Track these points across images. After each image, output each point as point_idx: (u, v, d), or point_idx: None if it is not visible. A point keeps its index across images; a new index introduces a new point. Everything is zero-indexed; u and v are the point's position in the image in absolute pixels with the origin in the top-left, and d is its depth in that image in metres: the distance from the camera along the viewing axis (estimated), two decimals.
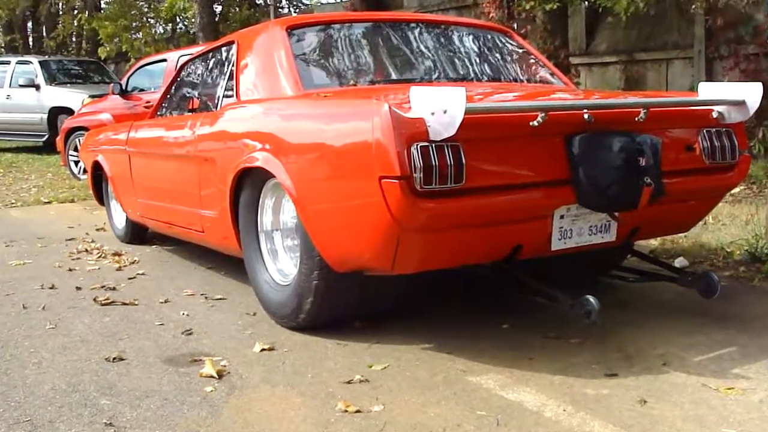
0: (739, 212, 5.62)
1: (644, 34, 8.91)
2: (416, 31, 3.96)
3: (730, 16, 7.58)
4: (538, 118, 2.67)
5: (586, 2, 8.92)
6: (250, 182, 3.52)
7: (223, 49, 4.28)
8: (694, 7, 7.12)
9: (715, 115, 3.19)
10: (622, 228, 3.15)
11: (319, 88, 3.42)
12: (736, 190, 6.39)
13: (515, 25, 8.59)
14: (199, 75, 4.66)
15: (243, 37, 4.08)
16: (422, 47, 3.87)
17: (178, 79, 4.94)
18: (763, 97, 3.16)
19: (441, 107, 2.51)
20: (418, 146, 2.54)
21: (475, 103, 2.72)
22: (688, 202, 3.32)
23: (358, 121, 2.74)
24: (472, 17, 9.58)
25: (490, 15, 8.43)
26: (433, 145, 2.56)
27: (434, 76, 3.70)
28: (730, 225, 5.22)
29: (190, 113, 4.46)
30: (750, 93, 3.15)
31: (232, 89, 3.91)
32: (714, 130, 3.23)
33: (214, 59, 4.42)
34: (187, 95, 4.73)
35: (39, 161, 12.39)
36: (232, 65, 4.00)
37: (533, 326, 3.29)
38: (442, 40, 4.01)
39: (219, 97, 4.08)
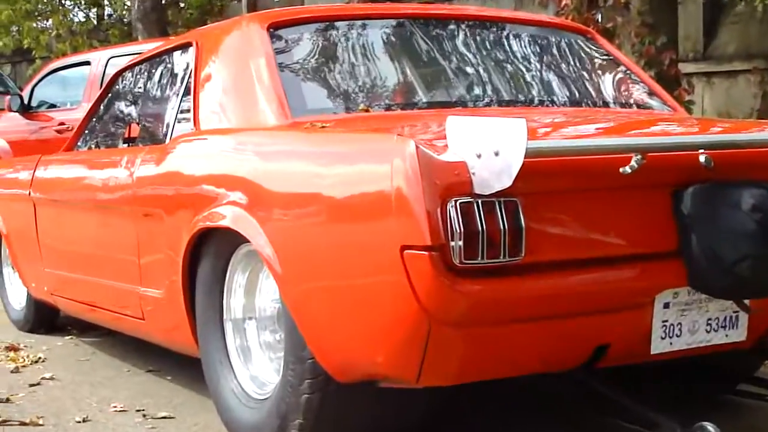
0: None
1: None
2: (456, 33, 4.04)
3: None
4: (632, 163, 2.71)
5: None
6: (213, 249, 3.56)
7: (177, 54, 4.34)
8: None
9: None
10: (755, 322, 3.17)
11: (314, 115, 3.47)
12: None
13: (599, 17, 8.66)
14: (140, 90, 4.72)
15: (205, 38, 4.14)
16: (464, 56, 3.94)
17: (110, 94, 4.99)
18: None
19: (491, 147, 2.56)
20: (458, 203, 2.58)
21: (540, 141, 2.77)
22: None
23: (371, 165, 2.81)
24: (536, 8, 9.68)
25: (563, 3, 8.53)
26: (480, 201, 2.59)
27: (482, 100, 3.76)
28: None
29: (127, 145, 4.50)
30: None
31: (189, 113, 3.96)
32: None
33: (162, 68, 4.48)
34: (123, 119, 4.78)
35: None
36: (190, 78, 4.05)
37: None
38: (494, 45, 4.08)
39: (169, 123, 4.13)
